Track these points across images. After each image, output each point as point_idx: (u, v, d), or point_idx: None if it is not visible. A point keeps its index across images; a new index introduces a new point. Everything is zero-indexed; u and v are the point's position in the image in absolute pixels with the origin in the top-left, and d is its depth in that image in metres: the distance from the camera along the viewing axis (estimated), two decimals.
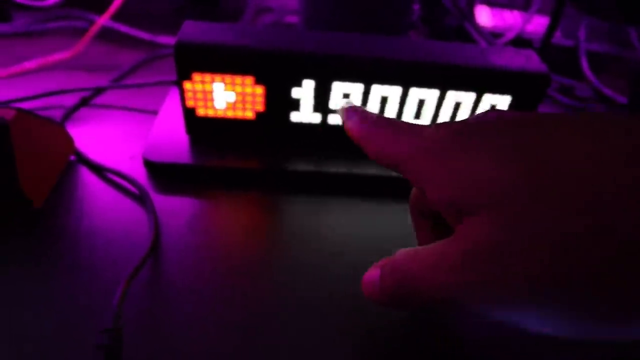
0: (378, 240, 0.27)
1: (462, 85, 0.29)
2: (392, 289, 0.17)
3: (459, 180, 0.15)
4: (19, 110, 0.25)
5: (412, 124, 0.19)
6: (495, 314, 0.15)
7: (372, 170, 0.30)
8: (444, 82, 0.28)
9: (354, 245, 0.27)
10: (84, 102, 0.36)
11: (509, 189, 0.14)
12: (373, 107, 0.30)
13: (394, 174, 0.30)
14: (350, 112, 0.21)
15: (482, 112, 0.17)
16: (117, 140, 0.33)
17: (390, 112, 0.30)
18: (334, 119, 0.30)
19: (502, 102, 0.29)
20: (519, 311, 0.14)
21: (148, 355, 0.20)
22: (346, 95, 0.29)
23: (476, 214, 0.15)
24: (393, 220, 0.29)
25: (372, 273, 0.18)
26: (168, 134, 0.31)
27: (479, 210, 0.14)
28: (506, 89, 0.29)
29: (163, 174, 0.30)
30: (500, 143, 0.15)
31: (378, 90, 0.29)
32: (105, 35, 0.47)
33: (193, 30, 0.28)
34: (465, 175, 0.15)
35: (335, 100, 0.29)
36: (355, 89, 0.29)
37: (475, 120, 0.17)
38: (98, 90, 0.37)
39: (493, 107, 0.30)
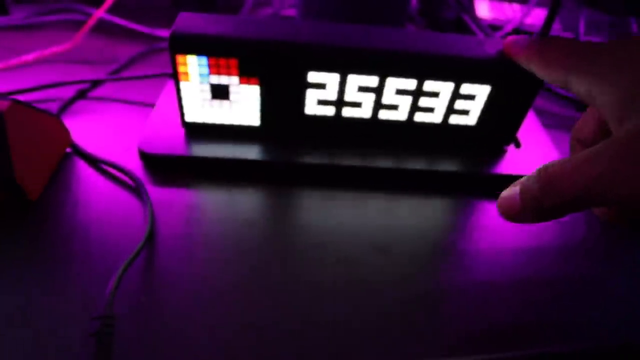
0: (369, 233, 0.27)
1: (457, 76, 0.28)
2: (538, 195, 0.18)
3: (631, 80, 0.17)
4: (15, 101, 0.25)
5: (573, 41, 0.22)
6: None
7: (382, 164, 0.30)
8: (439, 73, 0.28)
9: (346, 236, 0.27)
10: (81, 95, 0.36)
11: None
12: (370, 97, 0.29)
13: (380, 165, 0.30)
14: (512, 41, 0.25)
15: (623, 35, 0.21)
16: (113, 132, 0.33)
17: (386, 104, 0.30)
18: (331, 111, 0.30)
19: (497, 93, 0.29)
20: None
21: (142, 344, 0.21)
22: (343, 85, 0.29)
23: (636, 120, 0.16)
24: (385, 211, 0.29)
25: (510, 191, 0.20)
26: (164, 126, 0.31)
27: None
28: (502, 80, 0.29)
29: (159, 165, 0.30)
30: None
31: (370, 81, 0.29)
32: (103, 28, 0.47)
33: (188, 21, 0.28)
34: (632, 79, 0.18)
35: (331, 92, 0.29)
36: (351, 80, 0.29)
37: (625, 40, 0.19)
38: (95, 83, 0.37)
39: None
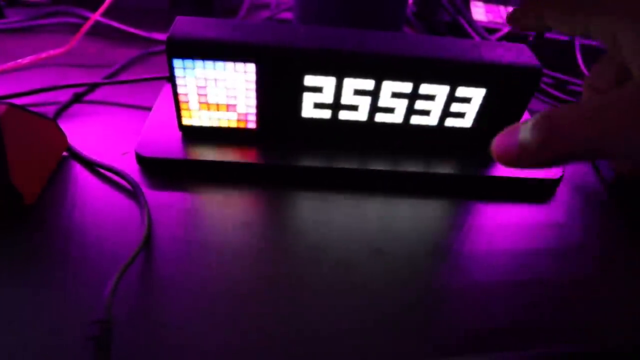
0: (366, 235, 0.27)
1: (453, 79, 0.29)
2: (538, 144, 0.16)
3: None
4: (11, 105, 0.25)
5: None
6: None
7: (376, 167, 0.30)
8: (435, 76, 0.28)
9: (344, 239, 0.27)
10: (78, 98, 0.36)
11: None
12: (366, 101, 0.30)
13: (371, 167, 0.30)
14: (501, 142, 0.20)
15: None
16: (110, 136, 0.33)
17: (383, 108, 0.30)
18: (327, 114, 0.30)
19: (494, 96, 0.30)
20: None
21: (140, 348, 0.20)
22: (339, 87, 0.29)
23: None
24: (382, 213, 0.29)
25: (507, 137, 0.18)
26: (161, 130, 0.31)
27: None
28: (498, 82, 0.29)
29: (156, 169, 0.30)
30: None
31: (366, 84, 0.29)
32: (99, 31, 0.46)
33: (185, 25, 0.28)
34: None
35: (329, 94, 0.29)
36: (347, 83, 0.29)
37: None
38: (91, 87, 0.37)
39: None
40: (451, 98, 0.30)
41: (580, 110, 0.16)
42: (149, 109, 0.36)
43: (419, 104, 0.30)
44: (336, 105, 0.30)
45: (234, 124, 0.31)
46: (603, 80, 0.22)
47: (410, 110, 0.30)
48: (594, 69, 0.23)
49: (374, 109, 0.30)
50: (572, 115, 0.16)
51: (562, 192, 0.33)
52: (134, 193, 0.28)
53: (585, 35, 0.19)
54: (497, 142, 0.18)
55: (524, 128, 0.17)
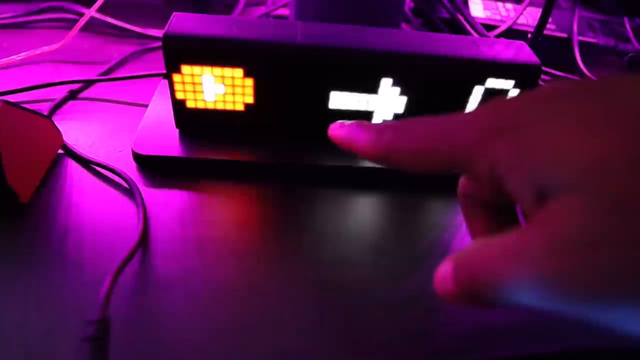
0: (366, 234, 0.27)
1: (452, 77, 0.28)
2: (467, 284, 0.14)
3: (544, 157, 0.13)
4: (5, 102, 0.24)
5: (454, 114, 0.16)
6: (586, 310, 0.12)
7: (368, 164, 0.30)
8: (433, 73, 0.28)
9: (343, 237, 0.27)
10: (73, 95, 0.36)
11: (607, 164, 0.12)
12: (376, 99, 0.29)
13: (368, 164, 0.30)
14: (348, 129, 0.18)
15: (552, 83, 0.15)
16: (105, 133, 0.32)
17: (381, 105, 0.30)
18: (332, 110, 0.30)
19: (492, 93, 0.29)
20: (617, 307, 0.12)
21: (136, 348, 0.20)
22: (335, 87, 0.29)
23: (564, 195, 0.12)
24: (379, 211, 0.29)
25: (445, 268, 0.15)
26: (157, 127, 0.31)
27: (569, 190, 0.12)
28: (497, 80, 0.29)
29: (152, 166, 0.30)
30: (590, 108, 0.12)
31: (364, 81, 0.29)
32: (94, 27, 0.46)
33: (181, 22, 0.27)
34: (550, 149, 0.13)
35: (328, 94, 0.29)
36: (345, 81, 0.28)
37: (549, 87, 0.14)
38: (87, 83, 0.37)
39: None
40: (450, 95, 0.29)
41: (501, 251, 0.13)
42: (145, 105, 0.35)
43: (417, 101, 0.30)
44: (334, 103, 0.30)
45: (231, 122, 0.30)
46: (482, 195, 0.18)
47: (409, 108, 0.30)
48: (463, 182, 0.19)
49: (372, 105, 0.30)
50: (491, 253, 0.14)
51: None
52: (130, 191, 0.28)
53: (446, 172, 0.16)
54: (438, 272, 0.16)
55: (458, 261, 0.15)
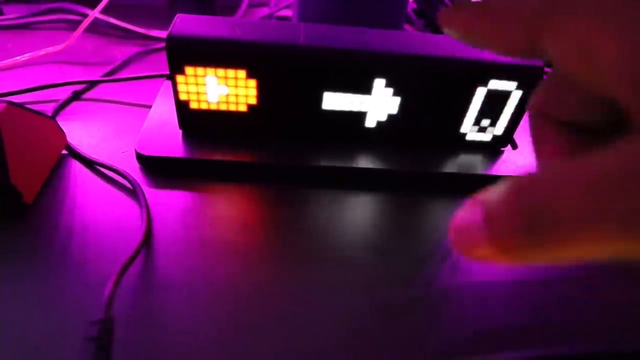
0: (367, 234, 0.27)
1: (453, 78, 0.28)
2: (513, 226, 0.10)
3: None
4: (10, 103, 0.25)
5: None
6: None
7: (366, 165, 0.30)
8: (435, 75, 0.28)
9: (344, 238, 0.27)
10: (76, 96, 0.36)
11: None
12: (370, 100, 0.29)
13: (387, 166, 0.30)
14: (449, 12, 0.14)
15: None
16: (109, 134, 0.32)
17: (384, 105, 0.30)
18: (327, 112, 0.30)
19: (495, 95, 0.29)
20: None
21: (139, 348, 0.20)
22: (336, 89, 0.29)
23: None
24: (382, 212, 0.29)
25: (468, 215, 0.12)
26: (161, 128, 0.31)
27: None
28: (499, 82, 0.29)
29: (155, 167, 0.30)
30: None
31: (365, 82, 0.29)
32: (98, 28, 0.46)
33: (185, 23, 0.28)
34: None
35: (328, 95, 0.29)
36: (340, 82, 0.28)
37: None
38: (91, 84, 0.37)
39: None
40: (451, 97, 0.29)
41: (567, 179, 0.09)
42: (148, 106, 0.35)
43: (418, 103, 0.30)
44: (336, 104, 0.30)
45: (234, 123, 0.31)
46: (564, 106, 0.14)
47: (409, 109, 0.30)
48: (539, 93, 0.15)
49: (374, 107, 0.30)
50: (557, 185, 0.09)
51: None
52: (133, 191, 0.28)
53: (535, 56, 0.12)
54: (457, 219, 0.12)
55: (493, 201, 0.11)
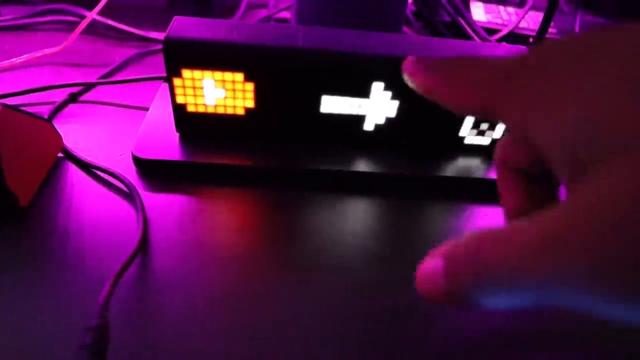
0: (365, 239, 0.27)
1: None
2: (466, 281, 0.12)
3: (587, 113, 0.10)
4: (5, 105, 0.24)
5: (492, 58, 0.14)
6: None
7: (365, 168, 0.30)
8: None
9: (342, 243, 0.26)
10: (73, 98, 0.36)
11: None
12: (368, 103, 0.29)
13: (385, 171, 0.30)
14: (412, 64, 0.17)
15: (585, 31, 0.13)
16: (106, 136, 0.32)
17: (382, 109, 0.30)
18: (325, 115, 0.30)
19: None
20: None
21: (135, 353, 0.20)
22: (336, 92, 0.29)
23: (610, 161, 0.10)
24: (380, 216, 0.29)
25: (431, 264, 0.13)
26: (158, 131, 0.31)
27: (614, 155, 0.10)
28: None
29: (152, 170, 0.30)
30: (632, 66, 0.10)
31: (363, 85, 0.28)
32: (96, 30, 0.46)
33: (183, 26, 0.27)
34: (595, 105, 0.10)
35: (327, 98, 0.29)
36: (346, 86, 0.28)
37: (583, 36, 0.12)
38: (87, 86, 0.37)
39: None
40: None
41: (518, 241, 0.11)
42: (145, 109, 0.35)
43: (416, 107, 0.30)
44: (334, 107, 0.29)
45: (232, 126, 0.30)
46: (519, 158, 0.16)
47: (407, 113, 0.30)
48: (501, 143, 0.17)
49: (373, 111, 0.30)
50: (505, 247, 0.11)
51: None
52: (130, 195, 0.28)
53: (489, 120, 0.15)
54: (421, 269, 0.14)
55: (453, 254, 0.13)
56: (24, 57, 0.38)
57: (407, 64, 0.17)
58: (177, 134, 0.31)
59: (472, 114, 0.15)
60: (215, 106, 0.29)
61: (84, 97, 0.36)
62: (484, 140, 0.32)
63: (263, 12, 0.55)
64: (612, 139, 0.10)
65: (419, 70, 0.16)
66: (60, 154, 0.30)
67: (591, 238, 0.09)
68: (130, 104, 0.36)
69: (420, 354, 0.22)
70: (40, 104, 0.34)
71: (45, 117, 0.33)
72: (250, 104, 0.29)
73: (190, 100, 0.29)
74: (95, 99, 0.36)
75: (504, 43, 0.32)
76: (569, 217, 0.10)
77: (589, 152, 0.10)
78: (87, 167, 0.29)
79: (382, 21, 0.41)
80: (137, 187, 0.28)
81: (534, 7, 0.52)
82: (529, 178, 0.16)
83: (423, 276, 0.14)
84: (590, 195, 0.10)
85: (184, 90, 0.28)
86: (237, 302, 0.23)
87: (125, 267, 0.22)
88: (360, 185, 0.30)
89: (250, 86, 0.28)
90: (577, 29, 0.51)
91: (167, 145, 0.30)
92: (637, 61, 0.10)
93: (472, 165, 0.32)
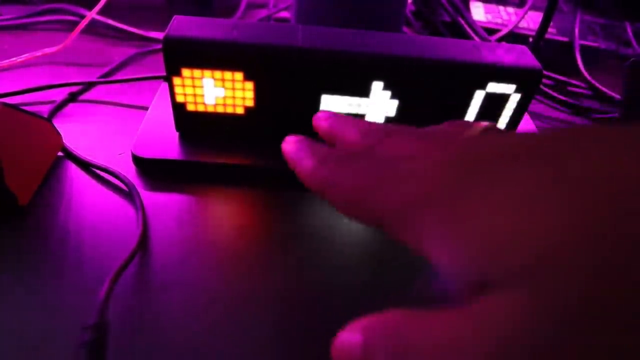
0: (364, 239, 0.27)
1: (451, 80, 0.28)
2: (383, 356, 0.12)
3: (482, 240, 0.11)
4: (4, 104, 0.24)
5: (388, 161, 0.14)
6: None
7: None
8: (435, 78, 0.28)
9: (341, 242, 0.26)
10: (73, 98, 0.36)
11: (559, 251, 0.09)
12: (368, 103, 0.29)
13: None
14: (297, 148, 0.16)
15: (471, 135, 0.13)
16: (105, 136, 0.32)
17: (382, 108, 0.30)
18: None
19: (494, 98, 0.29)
20: None
21: (135, 351, 0.20)
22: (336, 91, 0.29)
23: (507, 287, 0.10)
24: None
25: (349, 337, 0.13)
26: (157, 130, 0.31)
27: (511, 281, 0.10)
28: (498, 84, 0.29)
29: (152, 169, 0.30)
30: (535, 180, 0.10)
31: (363, 85, 0.28)
32: (95, 29, 0.46)
33: (182, 25, 0.27)
34: (488, 231, 0.11)
35: (326, 99, 0.29)
36: (346, 85, 0.28)
37: (473, 148, 0.12)
38: (87, 86, 0.37)
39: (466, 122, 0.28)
40: (451, 100, 0.29)
41: (429, 332, 0.11)
42: (145, 108, 0.35)
43: (416, 105, 0.30)
44: (334, 106, 0.29)
45: (231, 125, 0.30)
46: None
47: (407, 111, 0.30)
48: None
49: (372, 109, 0.30)
50: (418, 333, 0.12)
51: None
52: (129, 194, 0.28)
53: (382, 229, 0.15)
54: (338, 339, 0.14)
55: (369, 330, 0.13)
56: (24, 57, 0.38)
57: (292, 149, 0.18)
58: (177, 133, 0.31)
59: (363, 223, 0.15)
60: (215, 105, 0.29)
61: (83, 97, 0.36)
62: None
63: (263, 12, 0.55)
64: (507, 264, 0.10)
65: (319, 171, 0.16)
66: (60, 153, 0.30)
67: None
68: (130, 103, 0.36)
69: None
70: (40, 103, 0.34)
71: (45, 116, 0.32)
72: (250, 103, 0.29)
73: (190, 99, 0.29)
74: (95, 98, 0.36)
75: (503, 43, 0.32)
76: (468, 329, 0.10)
77: (485, 278, 0.10)
78: (86, 166, 0.29)
79: (382, 21, 0.41)
80: (136, 186, 0.28)
81: (533, 7, 0.53)
82: None
83: (339, 349, 0.14)
84: (487, 321, 0.10)
85: (184, 90, 0.28)
86: (236, 301, 0.23)
87: (124, 266, 0.22)
88: None
89: (250, 85, 0.28)
90: (576, 29, 0.51)
91: (167, 144, 0.30)
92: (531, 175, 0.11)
93: None
